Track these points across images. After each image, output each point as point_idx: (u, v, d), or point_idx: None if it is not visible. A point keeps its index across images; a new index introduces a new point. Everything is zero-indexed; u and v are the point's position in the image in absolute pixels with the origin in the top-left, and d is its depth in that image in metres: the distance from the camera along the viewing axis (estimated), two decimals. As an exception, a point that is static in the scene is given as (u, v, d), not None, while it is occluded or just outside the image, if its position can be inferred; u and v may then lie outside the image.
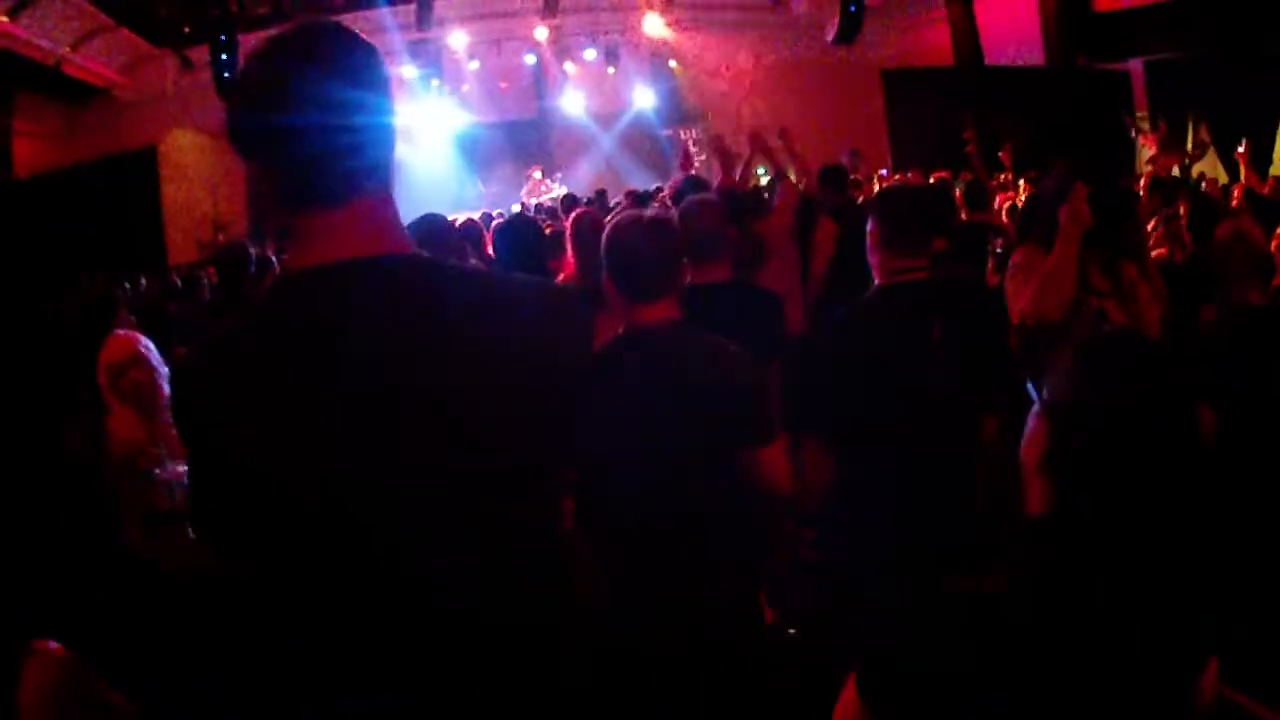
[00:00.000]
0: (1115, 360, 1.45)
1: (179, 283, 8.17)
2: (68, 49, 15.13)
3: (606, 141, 20.12)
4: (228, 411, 1.44)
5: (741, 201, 5.24)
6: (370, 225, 1.51)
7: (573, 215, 4.94)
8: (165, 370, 4.03)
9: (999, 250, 6.31)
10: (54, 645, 2.07)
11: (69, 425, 4.41)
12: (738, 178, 6.16)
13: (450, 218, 5.64)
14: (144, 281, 8.98)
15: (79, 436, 4.23)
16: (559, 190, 17.25)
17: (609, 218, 3.25)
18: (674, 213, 3.69)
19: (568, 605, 1.69)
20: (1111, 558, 1.41)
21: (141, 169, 17.07)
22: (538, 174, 18.68)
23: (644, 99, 20.33)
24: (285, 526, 1.44)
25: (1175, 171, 13.10)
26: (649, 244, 2.85)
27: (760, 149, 6.32)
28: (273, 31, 1.54)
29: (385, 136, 1.53)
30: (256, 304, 1.54)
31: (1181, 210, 6.03)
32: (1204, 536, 1.46)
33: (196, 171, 17.65)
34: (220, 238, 15.91)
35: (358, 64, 1.48)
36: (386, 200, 1.54)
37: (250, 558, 1.51)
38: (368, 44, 1.51)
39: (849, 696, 1.48)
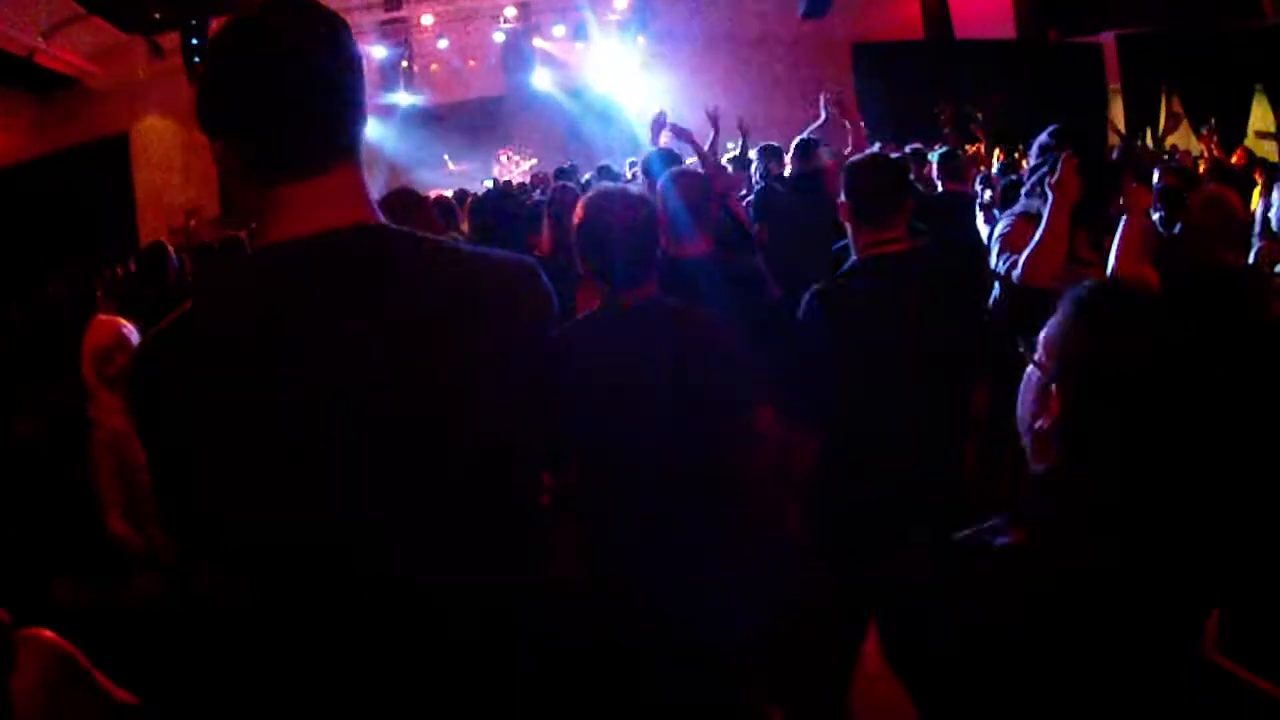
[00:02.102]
0: (1123, 312, 1.45)
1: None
2: (39, 39, 14.93)
3: (576, 117, 19.92)
4: (202, 398, 1.39)
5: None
6: (355, 192, 1.52)
7: (551, 190, 4.90)
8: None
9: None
10: (46, 633, 2.05)
11: (37, 412, 4.36)
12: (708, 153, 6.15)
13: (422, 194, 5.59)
14: (119, 268, 8.87)
15: (45, 423, 4.18)
16: (528, 165, 17.15)
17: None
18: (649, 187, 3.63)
19: (541, 585, 1.69)
20: (1130, 513, 1.42)
21: (113, 157, 16.93)
22: (504, 158, 18.60)
23: (612, 75, 20.11)
24: (264, 520, 1.42)
25: (1148, 143, 13.19)
26: (624, 233, 2.75)
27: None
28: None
29: (361, 104, 1.53)
30: (228, 279, 1.50)
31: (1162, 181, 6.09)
32: (1226, 492, 1.48)
33: (168, 158, 17.51)
34: (192, 223, 15.78)
35: (333, 33, 1.48)
36: (361, 170, 1.55)
37: (227, 554, 1.47)
38: (339, 16, 1.51)
39: (872, 657, 1.48)
